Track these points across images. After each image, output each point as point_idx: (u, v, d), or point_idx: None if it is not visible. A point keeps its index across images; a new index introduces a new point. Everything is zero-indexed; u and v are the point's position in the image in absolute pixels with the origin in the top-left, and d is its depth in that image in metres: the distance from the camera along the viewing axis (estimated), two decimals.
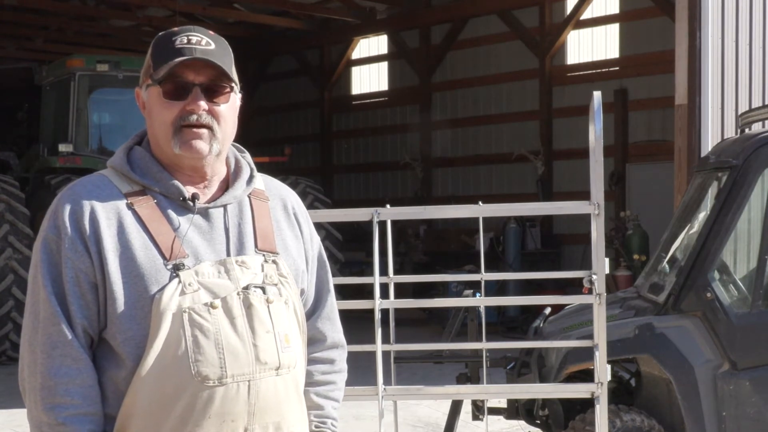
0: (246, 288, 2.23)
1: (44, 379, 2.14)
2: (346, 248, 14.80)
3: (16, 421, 8.73)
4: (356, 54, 20.22)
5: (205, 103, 2.23)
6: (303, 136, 21.09)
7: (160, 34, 2.29)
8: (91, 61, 13.08)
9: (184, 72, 2.23)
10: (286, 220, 2.41)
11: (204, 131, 2.23)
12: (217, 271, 2.22)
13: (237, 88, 2.30)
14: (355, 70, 20.38)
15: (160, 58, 2.23)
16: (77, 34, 19.42)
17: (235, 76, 2.29)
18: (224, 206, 2.30)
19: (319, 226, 13.50)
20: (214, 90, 2.25)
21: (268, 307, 2.24)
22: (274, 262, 2.30)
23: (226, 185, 2.34)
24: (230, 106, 2.29)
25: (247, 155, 2.40)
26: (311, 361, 2.45)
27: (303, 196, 13.27)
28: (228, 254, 2.25)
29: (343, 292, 13.51)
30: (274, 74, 22.00)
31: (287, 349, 2.26)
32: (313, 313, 2.47)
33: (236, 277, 2.23)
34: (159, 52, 2.24)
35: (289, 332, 2.28)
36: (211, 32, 2.28)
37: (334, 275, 2.68)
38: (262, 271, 2.27)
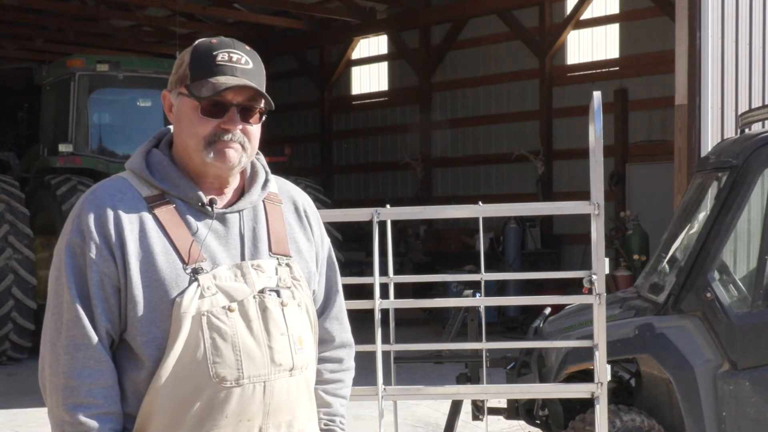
0: (261, 291, 2.29)
1: (67, 380, 2.20)
2: (346, 248, 14.79)
3: (16, 421, 8.72)
4: (356, 54, 20.21)
5: (240, 124, 2.30)
6: (303, 136, 21.09)
7: (198, 42, 2.34)
8: (91, 61, 13.05)
9: (223, 91, 2.28)
10: (298, 223, 2.47)
11: (236, 144, 2.30)
12: (233, 274, 2.28)
13: (270, 104, 2.35)
14: (355, 70, 20.37)
15: (200, 70, 2.28)
16: (77, 34, 19.42)
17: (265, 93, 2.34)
18: (240, 211, 2.36)
19: None
20: (249, 110, 2.31)
21: (282, 310, 2.31)
22: (287, 265, 2.37)
23: (241, 190, 2.40)
24: (260, 126, 2.36)
25: (261, 157, 2.44)
26: (320, 360, 2.52)
27: None
28: (243, 258, 2.32)
29: (343, 292, 13.48)
30: (274, 74, 21.96)
31: (300, 351, 2.34)
32: (321, 313, 2.54)
33: (252, 281, 2.29)
34: (199, 64, 2.29)
35: (302, 334, 2.35)
36: (247, 47, 2.34)
37: None
38: (276, 274, 2.34)
